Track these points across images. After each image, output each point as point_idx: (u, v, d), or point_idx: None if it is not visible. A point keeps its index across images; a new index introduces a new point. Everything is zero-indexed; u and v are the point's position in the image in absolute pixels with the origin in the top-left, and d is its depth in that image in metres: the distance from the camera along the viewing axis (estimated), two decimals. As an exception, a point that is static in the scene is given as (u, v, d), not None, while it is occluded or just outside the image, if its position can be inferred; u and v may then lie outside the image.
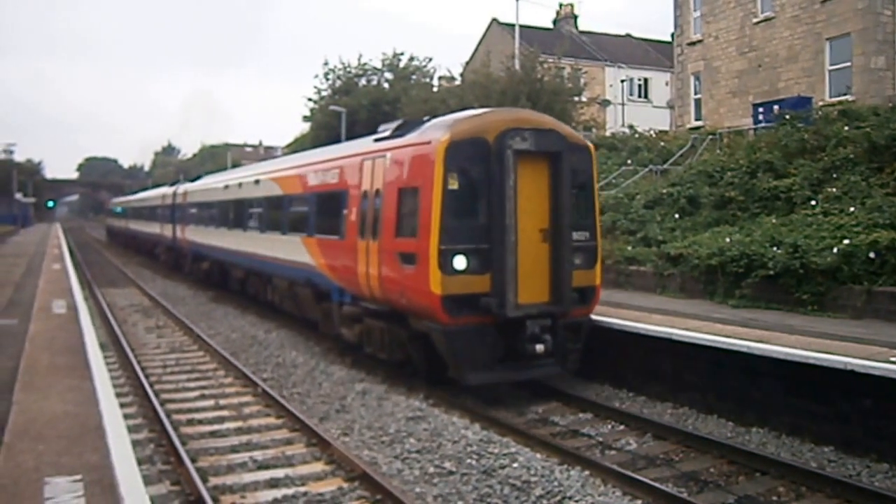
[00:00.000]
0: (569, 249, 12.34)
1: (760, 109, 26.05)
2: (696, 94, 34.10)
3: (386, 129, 14.81)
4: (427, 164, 11.98)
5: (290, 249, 17.83)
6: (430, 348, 12.46)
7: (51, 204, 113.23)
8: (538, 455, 9.74)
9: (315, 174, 16.92)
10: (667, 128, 40.42)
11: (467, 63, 49.13)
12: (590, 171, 13.15)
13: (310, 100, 50.79)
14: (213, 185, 28.40)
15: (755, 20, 30.35)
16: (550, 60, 36.24)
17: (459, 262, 11.68)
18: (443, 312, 11.66)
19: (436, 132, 12.31)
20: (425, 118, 14.85)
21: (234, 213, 23.90)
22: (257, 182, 21.52)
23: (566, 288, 12.30)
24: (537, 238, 12.25)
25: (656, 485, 8.63)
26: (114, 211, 73.36)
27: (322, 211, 16.37)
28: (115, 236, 69.28)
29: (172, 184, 41.88)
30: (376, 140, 14.50)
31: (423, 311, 12.09)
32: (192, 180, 34.99)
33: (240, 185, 23.53)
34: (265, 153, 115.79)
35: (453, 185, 11.74)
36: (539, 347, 11.92)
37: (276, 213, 19.66)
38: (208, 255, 27.82)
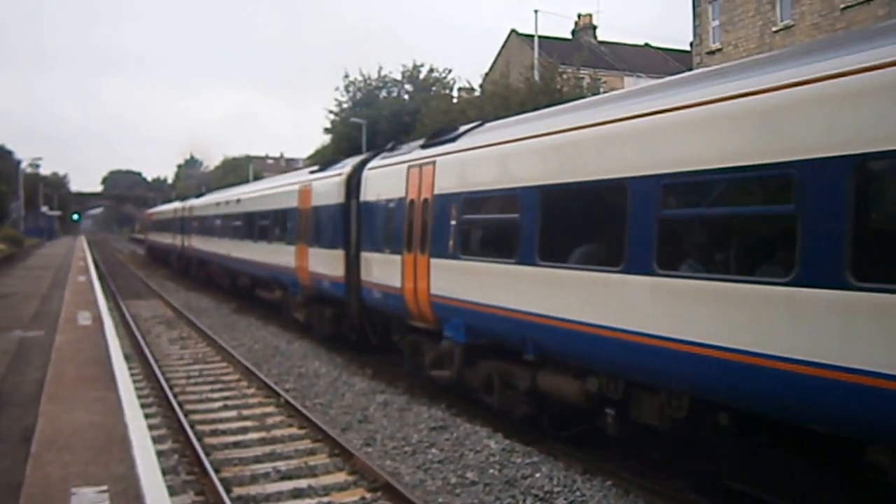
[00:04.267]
0: None
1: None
2: (716, 102, 33.85)
3: None
4: None
5: None
6: None
7: (76, 217, 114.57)
8: (561, 465, 9.71)
9: None
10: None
11: (486, 74, 49.26)
12: None
13: (330, 112, 51.13)
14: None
15: (775, 28, 30.15)
16: (569, 71, 36.25)
17: None
18: None
19: None
20: None
21: None
22: None
23: None
24: None
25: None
26: (156, 222, 54.61)
27: None
28: (160, 256, 50.72)
29: (390, 148, 16.33)
30: None
31: None
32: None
33: None
34: (286, 165, 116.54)
35: None
36: None
37: None
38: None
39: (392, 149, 15.59)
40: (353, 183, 16.18)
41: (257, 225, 23.86)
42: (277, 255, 20.89)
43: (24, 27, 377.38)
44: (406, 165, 13.61)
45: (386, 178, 14.61)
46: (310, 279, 18.31)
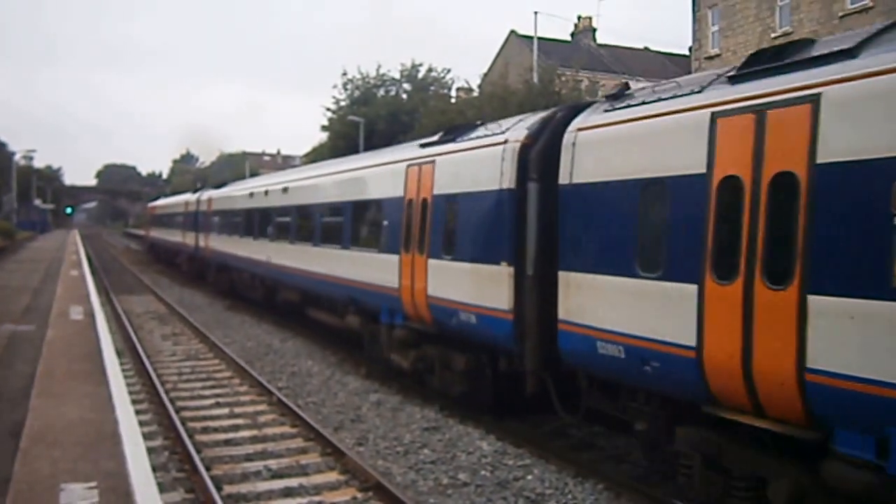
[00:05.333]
0: None
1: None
2: (714, 107, 33.94)
3: None
4: None
5: None
6: None
7: (69, 210, 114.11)
8: (552, 467, 9.68)
9: None
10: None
11: (485, 75, 49.28)
12: None
13: (328, 109, 51.06)
14: None
15: (773, 35, 30.20)
16: (568, 73, 36.30)
17: None
18: None
19: None
20: None
21: None
22: None
23: None
24: None
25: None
26: (160, 217, 47.18)
27: None
28: (166, 256, 44.34)
29: (615, 95, 9.30)
30: None
31: None
32: None
33: None
34: (283, 162, 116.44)
35: None
36: None
37: None
38: None
39: (619, 95, 9.18)
40: (531, 156, 10.05)
41: (319, 222, 17.79)
42: (361, 266, 14.86)
43: (31, 18, 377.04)
44: (708, 112, 7.23)
45: (641, 143, 8.24)
46: (427, 306, 12.19)
